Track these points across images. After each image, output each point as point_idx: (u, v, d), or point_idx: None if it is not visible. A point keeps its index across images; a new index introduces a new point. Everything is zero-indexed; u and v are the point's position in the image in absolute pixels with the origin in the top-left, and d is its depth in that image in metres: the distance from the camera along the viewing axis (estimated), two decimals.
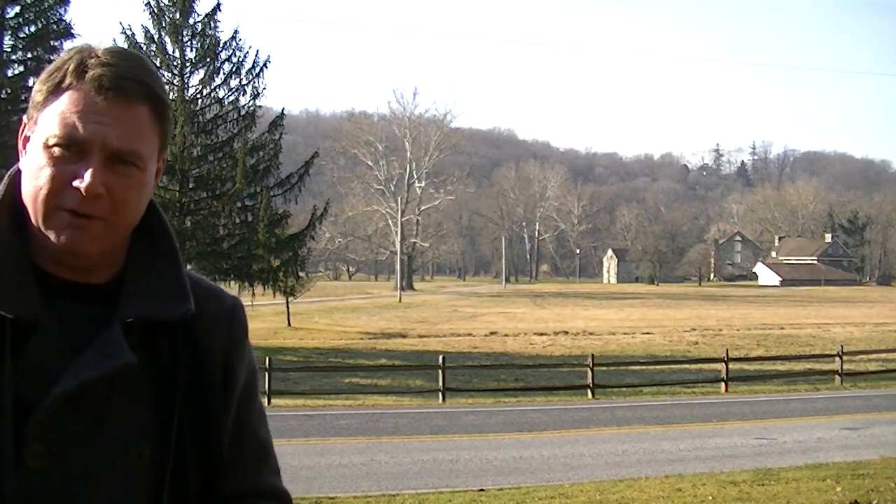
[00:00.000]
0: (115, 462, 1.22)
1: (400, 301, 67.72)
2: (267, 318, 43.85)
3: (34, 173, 1.22)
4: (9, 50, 25.34)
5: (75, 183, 1.19)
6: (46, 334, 1.20)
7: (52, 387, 1.17)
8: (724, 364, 20.74)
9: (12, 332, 1.18)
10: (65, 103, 1.21)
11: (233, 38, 31.11)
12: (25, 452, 1.16)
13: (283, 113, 32.28)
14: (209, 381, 1.32)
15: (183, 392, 1.28)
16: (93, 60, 1.22)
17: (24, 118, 1.29)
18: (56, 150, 1.20)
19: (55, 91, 1.22)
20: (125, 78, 1.22)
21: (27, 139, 1.27)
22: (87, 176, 1.19)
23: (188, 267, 1.37)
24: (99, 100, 1.20)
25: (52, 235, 1.21)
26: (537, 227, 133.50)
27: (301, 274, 35.11)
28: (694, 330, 41.13)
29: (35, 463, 1.17)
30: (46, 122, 1.22)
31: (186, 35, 30.23)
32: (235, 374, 1.37)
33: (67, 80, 1.22)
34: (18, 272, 1.21)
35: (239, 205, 30.44)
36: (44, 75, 1.25)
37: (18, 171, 1.28)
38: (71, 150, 1.20)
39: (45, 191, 1.20)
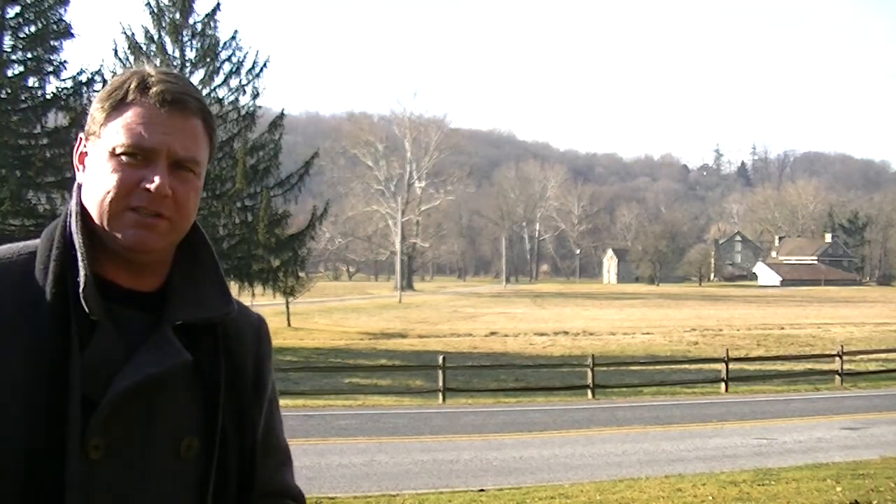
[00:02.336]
0: (167, 453, 1.32)
1: (400, 301, 67.75)
2: (267, 318, 43.64)
3: (101, 179, 1.32)
4: (9, 50, 25.30)
5: (144, 185, 1.30)
6: (104, 334, 1.29)
7: (109, 383, 1.26)
8: (724, 364, 20.74)
9: (78, 330, 1.27)
10: (130, 116, 1.32)
11: (232, 38, 31.14)
12: (88, 444, 1.24)
13: (282, 113, 32.26)
14: (244, 380, 1.43)
15: (224, 389, 1.38)
16: (152, 78, 1.35)
17: (81, 136, 1.40)
18: (124, 157, 1.31)
19: (118, 107, 1.34)
20: (183, 93, 1.35)
21: (84, 155, 1.39)
22: (157, 178, 1.30)
23: None
24: (162, 112, 1.33)
25: (119, 233, 1.31)
26: (537, 227, 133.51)
27: (301, 274, 35.06)
28: (694, 330, 41.13)
29: (97, 455, 1.26)
30: (112, 133, 1.33)
31: (186, 35, 30.24)
32: (265, 381, 1.50)
33: (131, 96, 1.34)
34: (86, 275, 1.30)
35: (239, 205, 30.42)
36: (102, 94, 1.36)
37: (80, 186, 1.39)
38: (137, 158, 1.31)
39: (113, 193, 1.31)
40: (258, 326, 1.52)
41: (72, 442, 1.22)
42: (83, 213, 1.35)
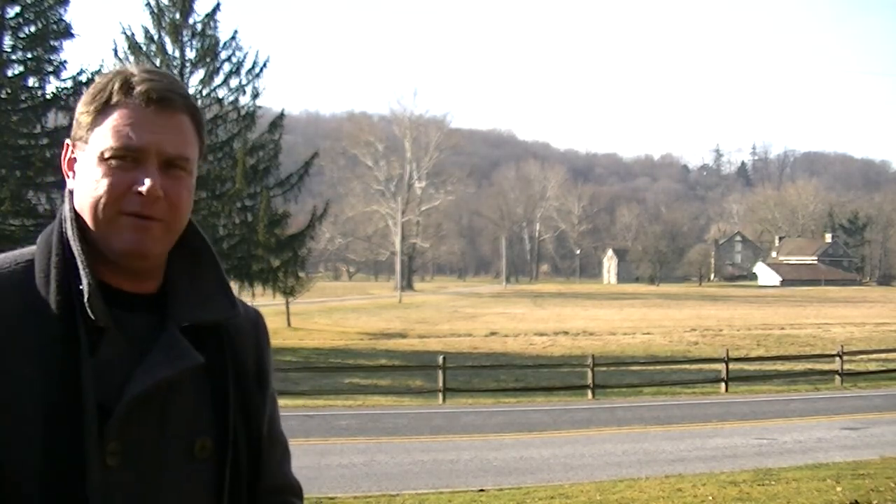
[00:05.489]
0: (182, 456, 1.31)
1: (400, 301, 67.76)
2: (267, 318, 43.53)
3: (91, 185, 1.30)
4: (9, 50, 25.30)
5: (136, 188, 1.28)
6: (112, 340, 1.29)
7: (120, 389, 1.25)
8: (724, 364, 20.73)
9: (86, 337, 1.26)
10: (116, 118, 1.30)
11: (232, 38, 31.13)
12: (105, 451, 1.23)
13: (282, 113, 32.26)
14: (248, 378, 1.43)
15: (232, 387, 1.38)
16: (136, 78, 1.32)
17: (67, 142, 1.38)
18: (113, 161, 1.29)
19: (103, 110, 1.31)
20: (168, 90, 1.33)
21: (73, 161, 1.36)
22: (148, 180, 1.28)
23: None
24: (149, 111, 1.30)
25: (115, 239, 1.29)
26: (537, 228, 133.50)
27: (301, 274, 35.05)
28: (694, 330, 41.12)
29: (114, 461, 1.24)
30: (99, 137, 1.30)
31: (186, 35, 30.23)
32: (267, 375, 1.50)
33: (115, 98, 1.31)
34: (89, 283, 1.28)
35: (239, 205, 30.41)
36: (86, 98, 1.34)
37: (72, 193, 1.37)
38: (127, 160, 1.29)
39: (105, 198, 1.29)
40: (256, 320, 1.53)
41: (91, 450, 1.20)
42: (77, 219, 1.33)
